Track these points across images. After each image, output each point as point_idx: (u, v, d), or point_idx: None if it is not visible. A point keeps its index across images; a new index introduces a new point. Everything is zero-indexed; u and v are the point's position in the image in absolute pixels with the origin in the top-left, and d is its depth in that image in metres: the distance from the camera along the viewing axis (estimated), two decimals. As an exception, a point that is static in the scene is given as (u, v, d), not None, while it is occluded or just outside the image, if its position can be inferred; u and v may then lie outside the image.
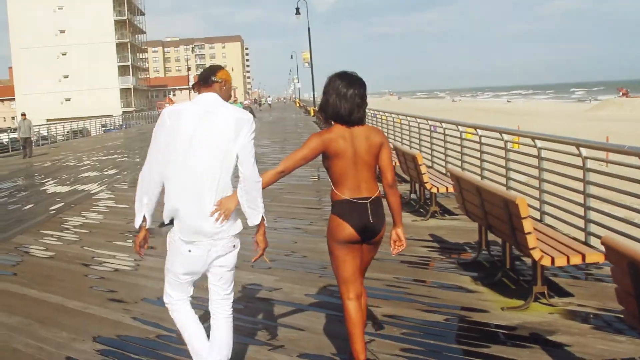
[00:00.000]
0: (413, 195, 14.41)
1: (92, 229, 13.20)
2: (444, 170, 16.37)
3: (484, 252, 9.09)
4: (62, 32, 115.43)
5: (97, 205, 16.27)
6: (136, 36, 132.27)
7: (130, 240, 11.78)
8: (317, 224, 12.30)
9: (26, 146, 36.73)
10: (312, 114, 67.22)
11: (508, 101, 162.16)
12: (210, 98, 5.05)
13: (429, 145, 20.16)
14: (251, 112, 31.96)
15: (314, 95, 72.20)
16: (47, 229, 13.45)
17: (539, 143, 11.44)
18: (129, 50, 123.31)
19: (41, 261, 10.67)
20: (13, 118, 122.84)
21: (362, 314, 5.43)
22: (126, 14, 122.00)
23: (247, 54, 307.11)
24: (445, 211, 12.73)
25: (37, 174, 26.04)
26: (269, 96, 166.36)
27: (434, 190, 12.00)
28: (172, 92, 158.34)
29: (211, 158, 4.83)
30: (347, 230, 5.29)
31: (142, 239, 5.12)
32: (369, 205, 5.33)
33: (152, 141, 5.04)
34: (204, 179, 4.83)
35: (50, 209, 16.21)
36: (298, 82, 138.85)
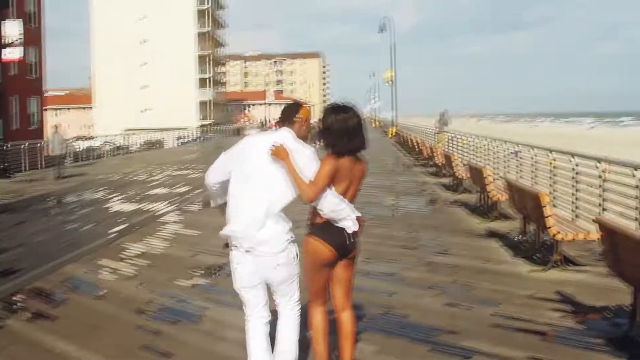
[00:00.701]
0: (521, 237, 12.38)
1: (153, 261, 11.48)
2: (568, 214, 14.32)
3: (638, 325, 7.07)
4: (144, 41, 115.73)
5: (163, 230, 14.57)
6: (217, 49, 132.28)
7: (196, 279, 10.11)
8: (416, 270, 10.40)
9: (59, 165, 29.74)
10: (391, 135, 65.33)
11: (592, 127, 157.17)
12: (284, 134, 5.47)
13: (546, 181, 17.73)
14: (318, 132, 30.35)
15: (395, 115, 70.37)
16: (103, 257, 11.81)
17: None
18: (209, 63, 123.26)
19: (89, 303, 8.96)
20: (91, 126, 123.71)
21: (327, 322, 5.73)
22: (208, 27, 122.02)
23: (325, 71, 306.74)
24: (566, 259, 10.66)
25: (106, 187, 24.58)
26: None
27: (560, 237, 9.96)
28: (248, 107, 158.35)
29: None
30: (327, 252, 5.53)
31: None
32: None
33: None
34: None
35: (110, 231, 14.63)
36: (378, 101, 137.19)
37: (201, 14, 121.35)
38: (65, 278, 10.27)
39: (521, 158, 19.74)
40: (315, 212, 5.53)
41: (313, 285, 5.67)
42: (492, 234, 13.23)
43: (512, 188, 12.01)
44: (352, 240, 5.63)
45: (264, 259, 5.34)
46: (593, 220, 8.28)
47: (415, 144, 36.32)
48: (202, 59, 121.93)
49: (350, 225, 5.49)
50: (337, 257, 5.62)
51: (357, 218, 5.58)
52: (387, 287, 9.37)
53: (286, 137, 5.44)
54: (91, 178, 29.11)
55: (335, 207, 5.39)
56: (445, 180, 23.46)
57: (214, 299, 8.88)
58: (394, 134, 64.26)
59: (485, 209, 15.87)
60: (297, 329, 5.65)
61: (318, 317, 5.70)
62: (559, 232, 9.89)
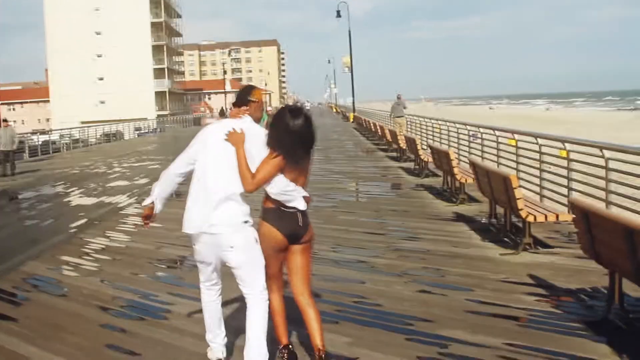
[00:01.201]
0: (493, 220, 12.25)
1: (115, 255, 11.16)
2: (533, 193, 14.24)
3: (616, 308, 6.94)
4: (98, 33, 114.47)
5: (124, 223, 14.23)
6: (172, 39, 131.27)
7: (161, 273, 9.86)
8: (385, 257, 10.22)
9: (8, 161, 28.18)
10: (352, 119, 65.30)
11: (547, 109, 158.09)
12: (245, 119, 5.75)
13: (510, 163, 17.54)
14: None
15: (353, 100, 70.32)
16: (64, 253, 11.47)
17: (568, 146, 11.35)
18: (165, 53, 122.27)
19: (51, 301, 8.64)
20: (48, 120, 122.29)
21: (283, 306, 5.80)
22: (163, 16, 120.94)
23: (283, 58, 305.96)
24: (537, 242, 10.54)
25: (64, 182, 24.03)
26: (307, 101, 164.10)
27: (531, 219, 9.83)
28: (207, 96, 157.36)
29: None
30: (278, 237, 5.56)
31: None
32: (298, 213, 5.58)
33: None
34: None
35: (71, 226, 14.26)
36: (335, 88, 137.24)
37: (155, 3, 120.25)
38: (25, 276, 9.93)
39: (482, 140, 19.72)
40: (266, 196, 5.57)
41: (267, 269, 5.65)
42: (460, 218, 13.12)
43: (479, 170, 11.83)
44: (304, 223, 5.64)
45: (217, 238, 5.47)
46: (568, 202, 8.11)
47: (376, 128, 36.14)
48: (157, 49, 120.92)
49: (300, 204, 5.55)
50: (288, 242, 5.63)
51: (304, 197, 5.61)
52: (357, 275, 9.18)
53: (245, 121, 5.70)
54: (49, 172, 28.52)
55: (285, 187, 5.46)
56: (408, 165, 23.34)
57: (180, 293, 8.61)
58: (353, 119, 64.28)
59: (451, 192, 15.76)
60: (265, 318, 5.60)
61: (274, 302, 5.73)
62: (529, 214, 9.77)
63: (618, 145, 11.92)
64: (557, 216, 10.00)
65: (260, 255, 5.55)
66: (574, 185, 12.62)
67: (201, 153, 5.66)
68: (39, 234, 13.68)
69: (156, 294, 8.64)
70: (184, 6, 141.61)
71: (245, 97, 5.78)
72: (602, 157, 11.35)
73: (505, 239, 10.91)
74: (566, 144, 13.01)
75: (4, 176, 27.32)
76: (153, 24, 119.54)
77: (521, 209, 9.73)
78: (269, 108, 29.10)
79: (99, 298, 8.58)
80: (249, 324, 5.56)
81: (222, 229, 5.44)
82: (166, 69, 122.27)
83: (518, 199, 9.73)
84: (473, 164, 12.30)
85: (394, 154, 27.55)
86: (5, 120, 30.11)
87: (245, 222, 5.51)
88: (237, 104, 5.82)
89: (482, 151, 19.34)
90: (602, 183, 11.50)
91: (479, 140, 20.83)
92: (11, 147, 28.29)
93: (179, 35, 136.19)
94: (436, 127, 28.21)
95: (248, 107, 5.77)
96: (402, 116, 36.85)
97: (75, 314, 7.99)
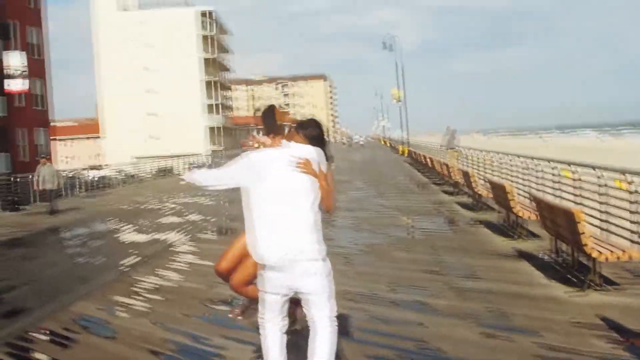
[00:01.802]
0: (556, 257, 11.76)
1: (167, 295, 10.91)
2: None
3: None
4: (148, 69, 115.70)
5: (176, 261, 13.99)
6: (223, 74, 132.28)
7: (213, 314, 9.55)
8: (445, 297, 9.79)
9: (52, 199, 27.59)
10: (402, 152, 64.89)
11: (600, 139, 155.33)
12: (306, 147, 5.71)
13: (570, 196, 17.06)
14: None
15: (408, 133, 69.89)
16: (114, 292, 11.25)
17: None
18: (216, 88, 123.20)
19: (100, 344, 8.39)
20: (100, 155, 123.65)
21: None
22: (213, 53, 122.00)
23: (332, 92, 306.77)
24: (605, 280, 10.03)
25: (116, 218, 24.01)
26: (357, 135, 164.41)
27: (597, 255, 9.33)
28: (257, 131, 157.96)
29: None
30: None
31: None
32: None
33: None
34: None
35: (122, 263, 14.06)
36: (386, 121, 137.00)
37: (205, 40, 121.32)
38: (74, 317, 9.72)
39: (538, 172, 19.19)
40: None
41: None
42: (521, 255, 12.64)
43: (541, 205, 11.39)
44: None
45: (302, 266, 5.33)
46: None
47: (428, 161, 35.71)
48: (208, 84, 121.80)
49: None
50: None
51: None
52: (416, 317, 8.76)
53: (306, 149, 5.61)
54: (101, 208, 28.60)
55: None
56: (463, 199, 22.88)
57: (233, 336, 8.30)
58: (405, 152, 63.89)
59: (510, 227, 15.28)
60: (334, 344, 5.51)
61: None
62: (596, 252, 9.29)
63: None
64: (629, 255, 9.49)
65: (332, 281, 5.50)
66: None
67: (258, 183, 5.47)
68: (90, 271, 13.53)
69: (208, 337, 8.33)
70: (233, 41, 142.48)
71: (274, 122, 5.84)
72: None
73: (570, 277, 10.43)
74: (630, 176, 12.47)
75: (51, 213, 26.64)
76: (204, 60, 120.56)
77: (587, 245, 9.26)
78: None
79: (149, 341, 8.30)
80: (314, 350, 5.44)
81: (309, 256, 5.33)
82: (219, 105, 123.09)
83: (583, 234, 9.25)
84: (535, 199, 11.83)
85: (448, 188, 27.09)
86: (46, 157, 29.51)
87: (323, 248, 5.44)
88: (271, 132, 5.82)
89: (539, 184, 18.81)
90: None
91: (533, 173, 20.48)
92: (52, 186, 27.25)
93: (229, 70, 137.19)
94: (488, 159, 27.42)
95: (285, 135, 5.82)
96: (455, 148, 36.48)
97: (125, 358, 7.73)
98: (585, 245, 9.28)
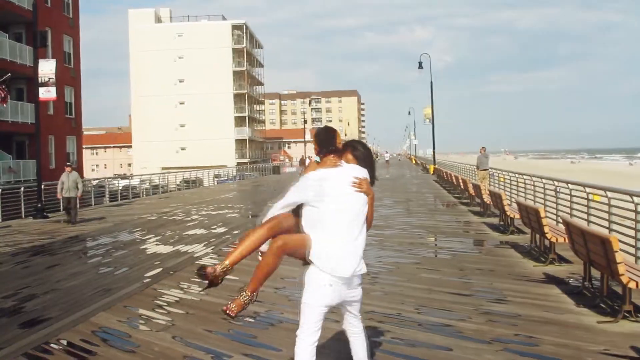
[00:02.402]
0: (587, 284, 11.46)
1: (189, 309, 10.74)
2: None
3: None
4: (181, 81, 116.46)
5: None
6: (254, 87, 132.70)
7: (235, 330, 9.37)
8: (473, 321, 9.54)
9: (70, 208, 27.19)
10: (432, 171, 64.59)
11: (630, 164, 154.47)
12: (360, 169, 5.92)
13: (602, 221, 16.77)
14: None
15: (434, 152, 69.53)
16: (136, 304, 11.13)
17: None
18: (247, 101, 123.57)
19: (119, 357, 8.23)
20: (129, 165, 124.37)
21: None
22: (245, 66, 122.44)
23: (362, 109, 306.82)
24: (637, 309, 9.74)
25: (141, 228, 23.91)
26: (386, 152, 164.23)
27: (632, 285, 9.07)
28: (287, 145, 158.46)
29: None
30: None
31: None
32: None
33: None
34: None
35: (146, 275, 13.94)
36: (415, 139, 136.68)
37: (238, 52, 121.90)
38: (95, 329, 9.59)
39: (571, 196, 18.95)
40: None
41: None
42: (550, 279, 12.38)
43: (574, 230, 11.09)
44: None
45: (358, 278, 5.77)
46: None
47: (458, 181, 35.40)
48: (239, 97, 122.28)
49: None
50: None
51: None
52: (444, 341, 8.53)
53: (361, 170, 5.88)
54: (127, 218, 28.54)
55: None
56: (492, 220, 22.59)
57: (254, 354, 8.13)
58: (433, 171, 63.64)
59: (540, 251, 15.00)
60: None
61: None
62: (631, 280, 9.01)
63: None
64: (663, 283, 9.21)
65: None
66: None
67: (325, 200, 5.61)
68: (113, 282, 13.35)
69: (230, 354, 8.16)
70: (265, 56, 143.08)
71: (333, 144, 5.85)
72: None
73: (602, 304, 10.16)
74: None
75: (68, 223, 26.54)
76: (235, 73, 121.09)
77: (622, 274, 8.99)
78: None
79: (169, 356, 8.15)
80: (358, 353, 6.01)
81: (363, 270, 5.76)
82: (247, 117, 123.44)
83: (619, 263, 8.99)
84: (567, 223, 11.50)
85: (477, 209, 26.79)
86: (71, 165, 28.96)
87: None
88: (328, 152, 5.85)
89: (571, 208, 18.55)
90: None
91: (561, 196, 20.34)
92: (75, 194, 26.92)
93: (260, 84, 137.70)
94: (521, 182, 27.51)
95: (341, 156, 5.93)
96: (487, 169, 36.57)
97: (144, 374, 7.56)
98: (622, 274, 9.01)
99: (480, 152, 37.26)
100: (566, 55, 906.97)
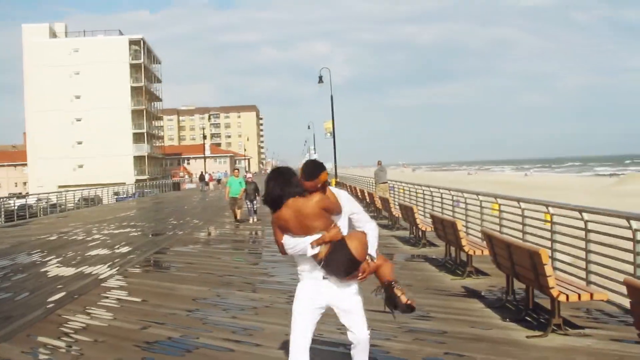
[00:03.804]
0: (510, 297, 11.25)
1: (97, 337, 10.02)
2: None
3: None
4: (78, 97, 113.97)
5: (106, 298, 13.08)
6: (152, 103, 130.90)
7: (148, 358, 8.77)
8: (399, 340, 9.15)
9: None
10: (334, 185, 64.50)
11: (525, 174, 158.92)
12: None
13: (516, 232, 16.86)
14: (256, 187, 29.44)
15: (335, 165, 69.53)
16: (40, 333, 10.35)
17: (585, 216, 12.06)
18: (145, 117, 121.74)
19: (24, 394, 7.57)
20: (25, 184, 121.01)
21: None
22: (143, 81, 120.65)
23: (262, 124, 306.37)
24: (565, 322, 9.53)
25: (41, 250, 22.80)
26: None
27: (562, 298, 8.85)
28: (186, 161, 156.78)
29: None
30: None
31: None
32: None
33: None
34: None
35: (49, 300, 13.11)
36: (315, 153, 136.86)
37: (135, 68, 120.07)
38: (-4, 362, 8.85)
39: (481, 207, 19.02)
40: None
41: None
42: (471, 293, 12.18)
43: (497, 243, 10.85)
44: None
45: (337, 286, 6.28)
46: (624, 282, 6.94)
47: (364, 195, 35.27)
48: (137, 113, 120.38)
49: (308, 250, 6.06)
50: None
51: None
52: (373, 362, 8.14)
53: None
54: (25, 239, 27.34)
55: (291, 247, 6.12)
56: (402, 233, 22.43)
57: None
58: (335, 185, 63.52)
59: (456, 264, 14.80)
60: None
61: None
62: (561, 294, 8.79)
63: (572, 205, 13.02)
64: (592, 295, 9.03)
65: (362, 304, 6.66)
66: (593, 257, 11.79)
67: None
68: (13, 309, 12.48)
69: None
70: (164, 71, 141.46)
71: (319, 175, 6.07)
72: (630, 228, 10.53)
73: (528, 318, 9.94)
74: (584, 214, 12.19)
75: None
76: (133, 89, 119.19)
77: (552, 287, 8.77)
78: (248, 175, 28.85)
79: (80, 391, 7.51)
80: None
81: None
82: (146, 134, 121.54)
83: (549, 276, 8.76)
84: (489, 236, 11.26)
85: (385, 222, 26.63)
86: None
87: None
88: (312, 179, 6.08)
89: (482, 219, 18.59)
90: (629, 256, 10.62)
91: (462, 206, 20.54)
92: None
93: (158, 99, 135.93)
94: (428, 194, 27.82)
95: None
96: (386, 182, 37.27)
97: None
98: (552, 287, 8.79)
99: (378, 166, 37.72)
100: (465, 70, 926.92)
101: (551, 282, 8.83)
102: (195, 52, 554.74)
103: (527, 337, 8.96)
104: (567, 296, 8.86)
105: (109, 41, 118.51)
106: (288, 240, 6.05)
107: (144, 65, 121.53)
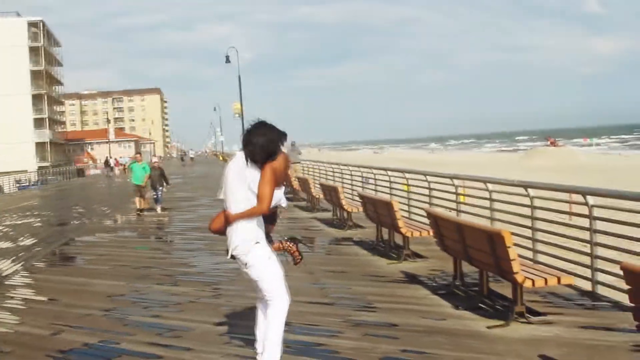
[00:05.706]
0: (458, 283, 10.42)
1: (3, 346, 8.72)
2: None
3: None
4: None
5: (11, 298, 11.72)
6: (53, 87, 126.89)
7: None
8: (347, 336, 8.19)
9: None
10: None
11: (431, 152, 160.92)
12: None
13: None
14: (162, 174, 27.60)
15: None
16: None
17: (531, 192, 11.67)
18: (46, 102, 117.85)
19: None
20: None
21: None
22: (43, 65, 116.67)
23: (166, 107, 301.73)
24: (528, 309, 8.72)
25: None
26: (191, 150, 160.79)
27: (528, 283, 8.02)
28: (90, 146, 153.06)
29: None
30: None
31: None
32: None
33: None
34: None
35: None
36: (222, 135, 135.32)
37: (35, 51, 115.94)
38: None
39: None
40: None
41: None
42: (412, 279, 11.32)
43: (443, 224, 9.97)
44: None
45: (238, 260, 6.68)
46: (621, 267, 6.03)
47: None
48: (37, 98, 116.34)
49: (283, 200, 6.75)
50: None
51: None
52: (323, 365, 7.19)
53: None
54: None
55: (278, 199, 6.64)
56: (323, 215, 21.53)
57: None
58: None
59: (390, 247, 13.89)
60: (275, 321, 6.74)
61: None
62: (529, 280, 7.97)
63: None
64: (559, 279, 8.25)
65: (272, 271, 7.11)
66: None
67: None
68: None
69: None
70: (65, 55, 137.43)
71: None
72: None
73: (482, 305, 9.11)
74: (530, 190, 11.53)
75: None
76: (33, 72, 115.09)
77: (517, 272, 7.91)
78: (154, 159, 27.50)
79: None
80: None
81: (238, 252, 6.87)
82: (47, 119, 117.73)
83: (513, 260, 7.88)
84: (434, 217, 10.39)
85: (304, 204, 25.72)
86: None
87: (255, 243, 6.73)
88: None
89: (391, 194, 17.91)
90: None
91: (371, 185, 20.06)
92: None
93: (59, 83, 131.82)
94: (337, 171, 28.51)
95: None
96: (298, 162, 37.10)
97: None
98: (516, 273, 7.93)
99: (291, 146, 37.09)
100: (369, 49, 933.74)
101: (515, 266, 7.99)
102: (95, 36, 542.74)
103: (488, 327, 8.09)
104: (533, 281, 8.07)
105: (6, 23, 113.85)
106: (276, 192, 6.30)
107: (44, 47, 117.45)
